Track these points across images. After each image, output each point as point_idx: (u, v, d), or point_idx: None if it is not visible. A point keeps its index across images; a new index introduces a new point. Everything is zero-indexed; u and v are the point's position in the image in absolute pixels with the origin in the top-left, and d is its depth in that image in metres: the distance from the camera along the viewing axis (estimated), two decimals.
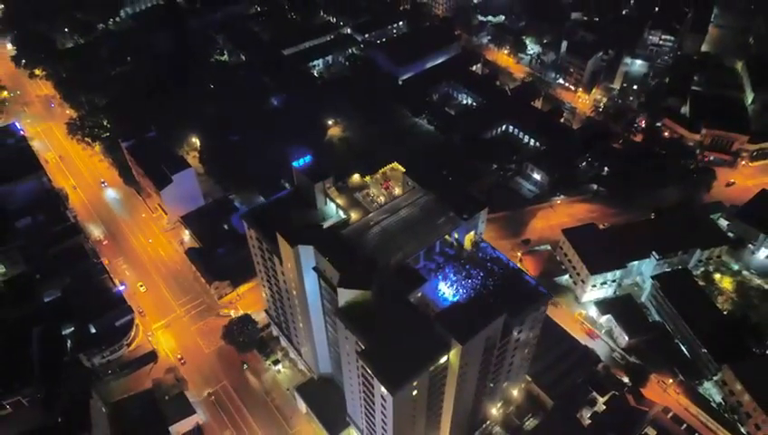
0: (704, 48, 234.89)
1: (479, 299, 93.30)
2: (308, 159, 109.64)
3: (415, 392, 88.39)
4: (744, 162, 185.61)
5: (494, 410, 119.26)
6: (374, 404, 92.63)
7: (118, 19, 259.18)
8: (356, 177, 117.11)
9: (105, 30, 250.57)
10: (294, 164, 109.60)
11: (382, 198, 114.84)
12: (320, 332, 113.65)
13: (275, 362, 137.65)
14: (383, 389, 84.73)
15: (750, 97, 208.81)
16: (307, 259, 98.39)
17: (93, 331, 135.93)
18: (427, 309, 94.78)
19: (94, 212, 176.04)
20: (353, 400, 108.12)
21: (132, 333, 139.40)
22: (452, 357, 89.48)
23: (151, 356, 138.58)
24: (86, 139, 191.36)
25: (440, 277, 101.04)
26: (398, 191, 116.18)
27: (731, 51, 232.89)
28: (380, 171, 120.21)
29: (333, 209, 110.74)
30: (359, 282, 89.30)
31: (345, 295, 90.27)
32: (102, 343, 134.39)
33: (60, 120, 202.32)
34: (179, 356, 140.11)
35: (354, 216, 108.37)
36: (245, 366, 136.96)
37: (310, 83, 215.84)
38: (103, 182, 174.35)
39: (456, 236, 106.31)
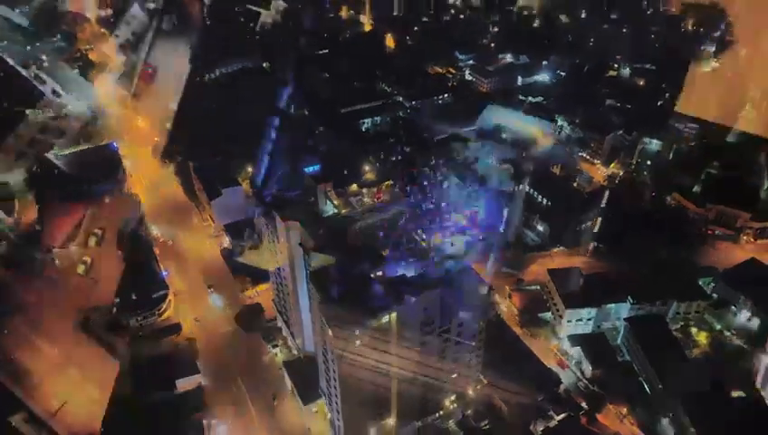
0: (729, 138, 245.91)
1: (422, 276, 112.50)
2: (317, 166, 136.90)
3: (358, 342, 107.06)
4: (746, 238, 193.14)
5: (447, 402, 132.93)
6: (327, 355, 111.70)
7: (213, 75, 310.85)
8: (354, 186, 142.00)
9: (200, 82, 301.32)
10: (305, 169, 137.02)
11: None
12: (306, 311, 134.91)
13: (275, 347, 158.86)
14: (330, 331, 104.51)
15: (767, 183, 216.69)
16: (295, 236, 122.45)
17: (134, 298, 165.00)
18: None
19: (157, 216, 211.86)
20: (322, 367, 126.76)
21: (164, 306, 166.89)
22: (392, 320, 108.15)
23: (176, 328, 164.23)
24: (165, 159, 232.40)
25: (402, 263, 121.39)
26: None
27: (756, 140, 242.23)
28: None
29: (330, 207, 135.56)
30: (326, 247, 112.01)
31: (315, 258, 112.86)
32: (139, 307, 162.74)
33: (148, 146, 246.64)
34: (195, 318, 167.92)
35: (344, 212, 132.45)
36: (275, 401, 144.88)
37: (356, 136, 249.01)
38: (210, 288, 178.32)
39: (424, 235, 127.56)
